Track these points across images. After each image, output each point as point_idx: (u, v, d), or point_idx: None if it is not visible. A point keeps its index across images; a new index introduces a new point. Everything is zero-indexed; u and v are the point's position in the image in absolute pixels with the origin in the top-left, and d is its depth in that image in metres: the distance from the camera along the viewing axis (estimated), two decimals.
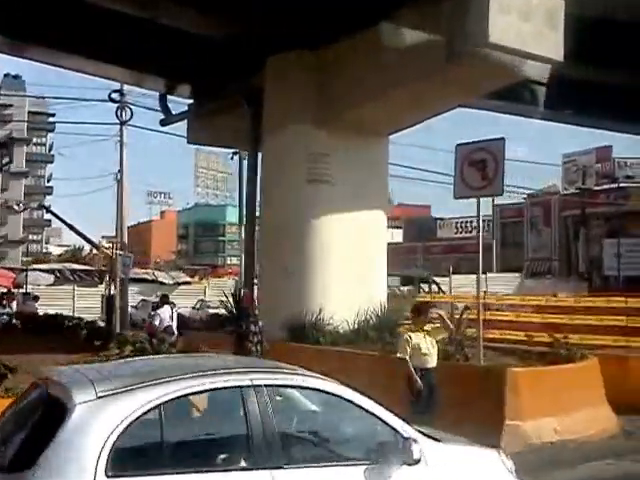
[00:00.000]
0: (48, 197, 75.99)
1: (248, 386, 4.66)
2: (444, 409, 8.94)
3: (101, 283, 21.18)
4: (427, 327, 9.47)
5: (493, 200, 52.21)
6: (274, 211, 14.64)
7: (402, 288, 23.87)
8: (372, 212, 14.39)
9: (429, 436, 5.20)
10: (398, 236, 75.22)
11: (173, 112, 18.37)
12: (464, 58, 11.32)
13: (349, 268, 13.81)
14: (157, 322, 14.81)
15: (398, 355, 9.29)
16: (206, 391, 4.76)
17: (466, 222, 66.04)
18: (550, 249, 51.36)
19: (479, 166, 10.10)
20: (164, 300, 15.75)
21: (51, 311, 21.73)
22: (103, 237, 65.94)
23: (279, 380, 4.98)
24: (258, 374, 4.88)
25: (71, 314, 23.99)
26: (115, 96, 20.76)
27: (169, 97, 18.62)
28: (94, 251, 44.58)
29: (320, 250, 13.89)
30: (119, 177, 22.41)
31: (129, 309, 23.01)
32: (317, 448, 4.99)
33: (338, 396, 4.97)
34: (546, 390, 10.16)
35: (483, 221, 59.86)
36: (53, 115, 70.84)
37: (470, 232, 63.78)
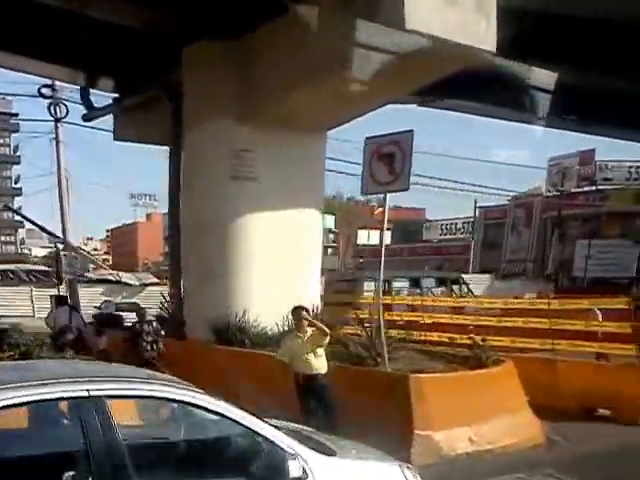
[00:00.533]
0: (17, 198, 73.54)
1: (84, 397, 4.04)
2: (351, 419, 8.24)
3: (60, 284, 20.44)
4: (310, 330, 8.73)
5: (475, 201, 52.30)
6: (196, 209, 13.66)
7: (435, 289, 23.60)
8: (304, 210, 13.42)
9: (320, 450, 4.65)
10: (388, 239, 74.97)
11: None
12: (379, 47, 10.27)
13: (277, 268, 12.90)
14: (52, 323, 14.31)
15: (277, 357, 8.78)
16: (29, 403, 4.09)
17: (451, 224, 65.87)
18: (527, 250, 51.09)
19: (387, 160, 9.30)
20: (61, 301, 15.27)
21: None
22: (89, 239, 65.42)
23: (128, 390, 4.33)
24: (99, 384, 4.20)
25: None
26: (46, 91, 19.52)
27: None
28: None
29: (245, 249, 12.96)
30: (59, 176, 21.14)
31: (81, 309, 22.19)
32: (178, 468, 4.42)
33: (205, 408, 4.35)
34: (458, 397, 9.23)
35: (467, 223, 59.94)
36: (16, 115, 67.80)
37: (454, 234, 63.73)
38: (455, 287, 24.23)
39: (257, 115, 12.54)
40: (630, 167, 50.32)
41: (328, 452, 4.71)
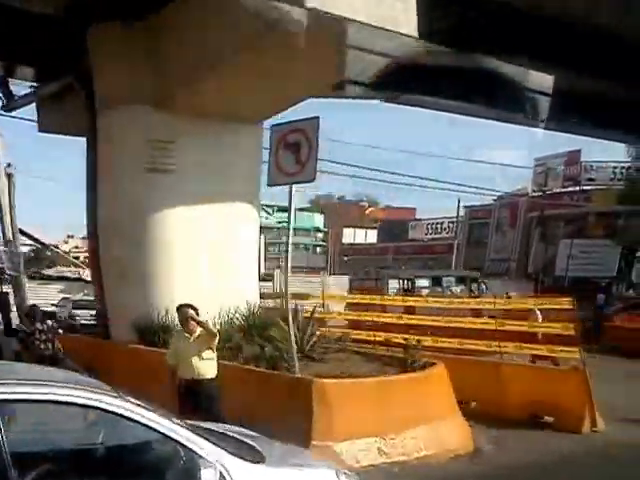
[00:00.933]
0: None
1: None
2: (247, 427, 7.43)
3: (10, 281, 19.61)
4: (199, 331, 7.87)
5: (459, 201, 51.58)
6: (111, 205, 12.62)
7: (454, 288, 24.34)
8: (234, 205, 12.54)
9: (246, 456, 4.17)
10: (374, 237, 74.74)
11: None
12: (280, 26, 9.13)
13: (204, 265, 12.09)
14: None
15: (168, 363, 7.91)
16: None
17: (436, 224, 65.47)
18: (510, 250, 50.73)
19: (293, 149, 8.46)
20: None
21: None
22: (70, 237, 64.36)
23: (21, 394, 3.78)
24: None
25: None
26: None
27: None
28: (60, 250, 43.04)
29: (165, 246, 12.06)
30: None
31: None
32: (77, 477, 3.98)
33: (111, 412, 3.85)
34: (375, 404, 8.39)
35: (452, 222, 59.52)
36: None
37: (440, 233, 63.28)
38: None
39: (174, 102, 11.53)
40: (615, 168, 49.84)
41: (255, 459, 4.24)
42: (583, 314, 25.13)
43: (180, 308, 8.00)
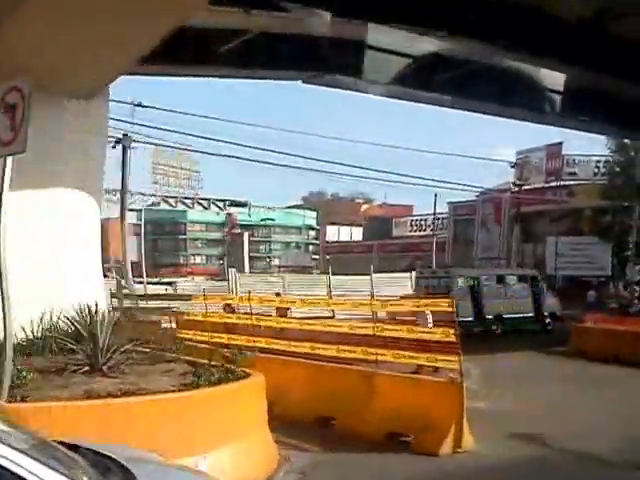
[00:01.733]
0: None
1: None
2: None
3: None
4: None
5: (435, 196, 49.40)
6: None
7: (516, 286, 25.99)
8: (61, 198, 10.63)
9: None
10: (359, 235, 73.28)
11: None
12: None
13: (16, 266, 10.26)
14: None
15: None
16: None
17: (420, 220, 63.70)
18: (498, 248, 49.27)
19: (11, 112, 6.60)
20: None
21: None
22: None
23: None
24: None
25: None
26: None
27: None
28: None
29: None
30: None
31: None
32: None
33: None
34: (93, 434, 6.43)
35: (437, 219, 57.70)
36: None
37: (424, 230, 61.46)
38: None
39: None
40: (598, 162, 48.07)
41: None
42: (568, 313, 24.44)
43: None
